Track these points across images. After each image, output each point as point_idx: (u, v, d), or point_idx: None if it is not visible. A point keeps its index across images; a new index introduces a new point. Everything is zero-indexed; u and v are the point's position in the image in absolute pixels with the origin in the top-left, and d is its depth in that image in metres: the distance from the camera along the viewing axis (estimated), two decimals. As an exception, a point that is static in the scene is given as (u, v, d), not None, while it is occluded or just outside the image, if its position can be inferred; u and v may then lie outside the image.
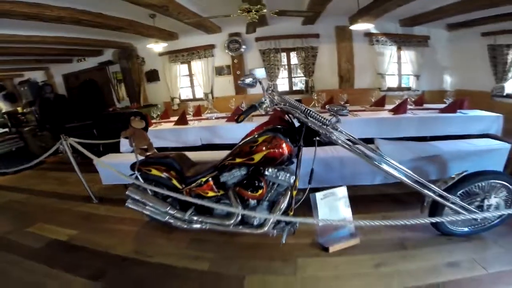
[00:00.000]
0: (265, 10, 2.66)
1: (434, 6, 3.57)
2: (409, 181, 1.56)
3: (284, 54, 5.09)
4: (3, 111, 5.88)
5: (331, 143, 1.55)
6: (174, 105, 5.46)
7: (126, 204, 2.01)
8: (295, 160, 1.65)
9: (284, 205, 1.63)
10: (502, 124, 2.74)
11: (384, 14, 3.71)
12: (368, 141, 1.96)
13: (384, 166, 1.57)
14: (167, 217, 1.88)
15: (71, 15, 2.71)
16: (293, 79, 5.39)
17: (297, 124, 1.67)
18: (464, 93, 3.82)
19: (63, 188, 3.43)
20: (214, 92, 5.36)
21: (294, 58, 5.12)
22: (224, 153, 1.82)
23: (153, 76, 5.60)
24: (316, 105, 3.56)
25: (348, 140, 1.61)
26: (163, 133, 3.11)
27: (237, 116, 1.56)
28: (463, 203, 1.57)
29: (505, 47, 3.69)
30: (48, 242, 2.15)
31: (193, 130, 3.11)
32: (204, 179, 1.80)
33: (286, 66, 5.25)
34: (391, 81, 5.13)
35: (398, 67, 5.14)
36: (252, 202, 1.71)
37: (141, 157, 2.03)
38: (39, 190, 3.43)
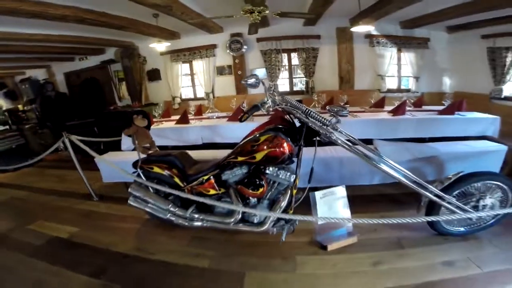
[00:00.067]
0: (267, 12, 2.69)
1: (434, 9, 3.59)
2: (407, 181, 1.60)
3: (285, 55, 5.11)
4: (4, 108, 5.88)
5: (331, 143, 1.58)
6: (175, 104, 5.47)
7: (128, 201, 2.03)
8: (295, 159, 1.68)
9: (284, 203, 1.66)
10: (499, 126, 2.78)
11: (385, 16, 3.74)
12: (367, 142, 1.98)
13: (383, 166, 1.60)
14: (169, 214, 1.90)
15: (75, 13, 2.73)
16: (293, 80, 5.41)
17: (297, 124, 1.70)
18: (463, 95, 3.85)
19: (63, 185, 3.45)
20: (215, 91, 5.37)
21: (295, 59, 5.14)
22: (224, 152, 1.85)
23: (154, 75, 5.61)
24: (317, 105, 3.59)
25: (348, 140, 1.64)
26: (164, 132, 3.14)
27: (241, 115, 1.59)
28: (458, 203, 1.61)
29: (504, 50, 3.72)
30: (49, 240, 2.16)
31: (194, 129, 3.13)
32: (205, 177, 1.82)
33: (287, 67, 5.26)
34: (390, 83, 5.16)
35: (398, 68, 5.17)
36: (253, 200, 1.74)
37: (143, 155, 2.05)
38: (39, 187, 3.45)
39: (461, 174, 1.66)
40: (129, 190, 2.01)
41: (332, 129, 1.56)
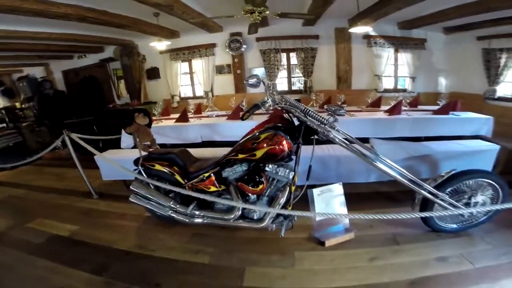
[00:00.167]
0: (267, 12, 2.71)
1: (432, 10, 3.64)
2: (402, 179, 1.64)
3: (284, 54, 5.14)
4: (1, 106, 5.85)
5: (329, 141, 1.62)
6: (174, 103, 5.48)
7: (130, 198, 2.06)
8: (294, 157, 1.72)
9: (283, 200, 1.69)
10: (492, 126, 2.83)
11: (383, 17, 3.77)
12: (364, 140, 2.03)
13: (379, 165, 1.64)
14: (170, 211, 1.93)
15: (77, 12, 2.74)
16: (292, 79, 5.45)
17: (296, 122, 1.74)
18: (458, 96, 3.93)
19: (62, 183, 3.45)
20: (214, 90, 5.39)
21: (294, 58, 5.17)
22: (224, 150, 1.88)
23: (153, 73, 5.61)
24: (315, 105, 3.62)
25: (345, 139, 1.68)
26: (164, 130, 3.15)
27: (242, 114, 1.62)
28: (451, 200, 1.66)
29: (498, 51, 3.79)
30: (49, 238, 2.17)
31: (194, 127, 3.15)
32: (206, 175, 1.86)
33: (286, 66, 5.29)
34: (387, 83, 5.20)
35: (394, 69, 5.22)
36: (252, 197, 1.77)
37: (144, 153, 2.07)
38: (37, 185, 3.44)
39: (453, 172, 1.71)
40: (131, 187, 2.03)
41: (330, 128, 1.60)
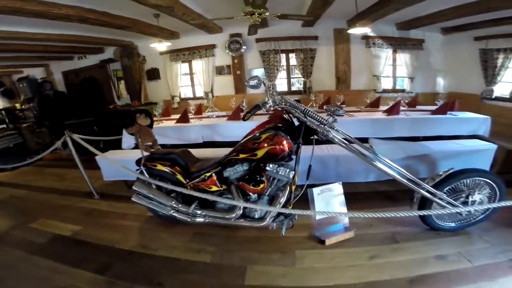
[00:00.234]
0: (267, 14, 2.73)
1: (430, 11, 3.67)
2: (400, 178, 1.67)
3: (283, 55, 5.17)
4: (1, 107, 5.85)
5: (328, 141, 1.64)
6: (174, 104, 5.50)
7: (132, 198, 2.07)
8: (294, 157, 1.74)
9: (283, 199, 1.72)
10: (490, 126, 2.86)
11: (382, 18, 3.80)
12: (363, 140, 2.05)
13: (378, 164, 1.66)
14: (172, 210, 1.95)
15: (78, 13, 2.75)
16: (291, 80, 5.47)
17: (296, 123, 1.76)
18: (456, 96, 3.96)
19: (63, 184, 3.46)
20: (214, 91, 5.41)
21: (293, 59, 5.19)
22: (224, 151, 1.90)
23: (153, 74, 5.63)
24: (314, 105, 3.64)
25: (344, 139, 1.70)
26: (165, 131, 3.17)
27: (244, 114, 1.65)
28: (449, 199, 1.68)
29: (495, 51, 3.82)
30: (51, 238, 2.18)
31: (195, 128, 3.17)
32: (208, 174, 1.88)
33: (285, 67, 5.32)
34: (386, 83, 5.24)
35: (393, 69, 5.26)
36: (253, 196, 1.80)
37: (146, 153, 2.09)
38: (38, 186, 3.45)
39: (451, 171, 1.74)
40: (133, 187, 2.05)
41: (329, 128, 1.62)
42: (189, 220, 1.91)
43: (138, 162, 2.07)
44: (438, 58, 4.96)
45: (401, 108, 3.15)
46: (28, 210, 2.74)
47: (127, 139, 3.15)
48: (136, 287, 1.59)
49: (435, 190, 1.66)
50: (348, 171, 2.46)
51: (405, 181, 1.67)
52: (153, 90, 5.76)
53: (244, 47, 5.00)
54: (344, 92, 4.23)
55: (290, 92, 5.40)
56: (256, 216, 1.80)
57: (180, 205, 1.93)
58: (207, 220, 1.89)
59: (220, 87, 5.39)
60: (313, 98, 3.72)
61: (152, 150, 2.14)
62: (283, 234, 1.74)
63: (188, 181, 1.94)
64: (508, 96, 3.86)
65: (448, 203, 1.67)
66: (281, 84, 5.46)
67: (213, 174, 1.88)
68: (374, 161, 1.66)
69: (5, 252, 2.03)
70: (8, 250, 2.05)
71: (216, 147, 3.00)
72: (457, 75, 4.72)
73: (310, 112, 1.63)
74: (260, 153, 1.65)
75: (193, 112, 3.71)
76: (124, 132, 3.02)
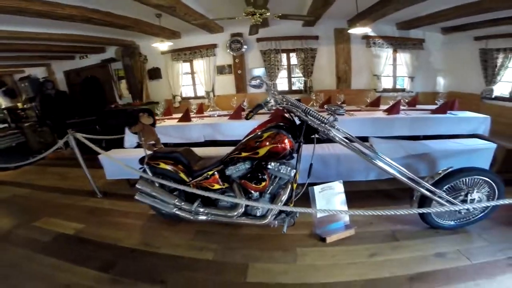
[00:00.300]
0: (268, 14, 2.75)
1: (430, 11, 3.68)
2: (401, 177, 1.69)
3: (284, 55, 5.17)
4: (3, 106, 5.87)
5: (329, 140, 1.66)
6: (176, 103, 5.51)
7: (135, 196, 2.09)
8: (295, 155, 1.76)
9: (285, 197, 1.74)
10: (489, 125, 2.87)
11: (382, 18, 3.81)
12: (363, 139, 2.07)
13: (378, 163, 1.68)
14: (175, 208, 1.97)
15: (82, 13, 2.77)
16: (292, 79, 5.49)
17: (297, 122, 1.78)
18: (456, 95, 3.97)
19: (65, 183, 3.49)
20: (215, 90, 5.43)
21: (294, 58, 5.20)
22: (226, 149, 1.92)
23: (155, 74, 5.64)
24: (315, 104, 3.66)
25: (345, 137, 1.72)
26: (167, 130, 3.18)
27: (247, 113, 1.67)
28: (448, 197, 1.70)
29: (495, 51, 3.83)
30: (55, 236, 2.19)
31: (197, 127, 3.19)
32: (210, 173, 1.90)
33: (286, 66, 5.33)
34: (386, 83, 5.24)
35: (393, 69, 5.26)
36: (255, 194, 1.82)
37: (149, 152, 2.11)
38: (41, 185, 3.47)
39: (450, 169, 1.76)
40: (137, 185, 2.07)
41: (330, 127, 1.64)
42: (191, 218, 1.93)
43: (141, 160, 2.09)
44: (438, 58, 4.97)
45: (401, 107, 3.16)
46: (31, 209, 2.76)
47: (130, 138, 3.17)
48: (140, 284, 1.61)
49: (434, 189, 1.68)
50: (348, 170, 2.48)
51: (405, 179, 1.69)
52: (155, 90, 5.77)
53: (245, 46, 5.01)
54: (344, 92, 4.24)
55: (290, 92, 5.41)
56: (258, 214, 1.82)
57: (183, 203, 1.95)
58: (209, 218, 1.91)
59: (221, 87, 5.40)
60: (314, 98, 3.74)
61: (155, 148, 2.16)
62: (285, 232, 1.76)
63: (190, 179, 1.96)
64: (507, 96, 3.87)
65: (447, 201, 1.68)
66: (281, 83, 5.47)
67: (216, 172, 1.90)
68: (374, 160, 1.68)
69: (9, 250, 2.05)
70: (12, 249, 2.07)
71: (217, 146, 3.02)
72: (457, 75, 4.73)
73: (311, 111, 1.65)
74: (262, 151, 1.68)
75: (195, 111, 3.73)
76: (127, 131, 3.04)
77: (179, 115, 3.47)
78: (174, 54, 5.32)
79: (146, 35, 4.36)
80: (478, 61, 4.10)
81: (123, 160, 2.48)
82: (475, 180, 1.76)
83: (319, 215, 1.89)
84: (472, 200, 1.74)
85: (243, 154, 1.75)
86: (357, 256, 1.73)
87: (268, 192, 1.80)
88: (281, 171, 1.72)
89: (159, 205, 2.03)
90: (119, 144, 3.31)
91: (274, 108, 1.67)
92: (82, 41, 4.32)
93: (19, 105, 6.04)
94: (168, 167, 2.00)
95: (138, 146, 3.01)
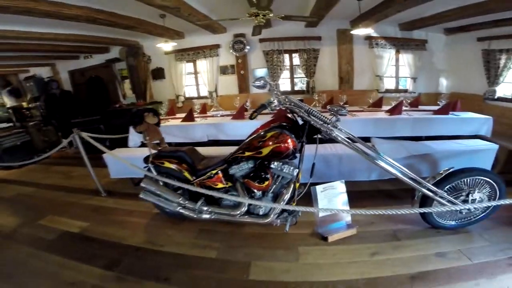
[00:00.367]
0: (271, 15, 2.77)
1: (433, 12, 3.68)
2: (402, 177, 1.70)
3: (286, 55, 5.19)
4: (8, 106, 5.94)
5: (332, 140, 1.68)
6: (179, 103, 5.55)
7: (140, 195, 2.12)
8: (298, 155, 1.78)
9: (287, 196, 1.75)
10: (491, 126, 2.86)
11: (384, 19, 3.82)
12: (366, 139, 2.08)
13: (380, 163, 1.70)
14: (179, 207, 1.99)
15: (87, 14, 2.80)
16: (294, 80, 5.50)
17: (300, 122, 1.80)
18: (459, 96, 3.97)
19: (69, 181, 3.52)
20: (218, 90, 5.46)
21: (296, 59, 5.22)
22: (229, 149, 1.94)
23: (158, 74, 5.68)
24: (317, 105, 3.67)
25: (347, 138, 1.74)
26: (171, 129, 3.20)
27: (251, 114, 1.70)
28: (449, 197, 1.71)
29: (498, 52, 3.82)
30: (60, 234, 2.22)
31: (200, 126, 3.20)
32: (214, 172, 1.92)
33: (288, 67, 5.34)
34: (389, 83, 5.25)
35: (396, 69, 5.27)
36: (258, 193, 1.84)
37: (154, 151, 2.14)
38: (45, 183, 3.50)
39: (451, 170, 1.76)
40: (141, 184, 2.10)
41: (333, 127, 1.66)
42: (195, 216, 1.95)
43: (146, 159, 2.12)
44: (441, 59, 4.97)
45: (404, 108, 3.16)
46: (36, 207, 2.79)
47: (134, 137, 3.20)
48: (144, 282, 1.63)
49: (436, 189, 1.69)
50: (351, 170, 2.49)
51: (407, 179, 1.70)
52: (158, 89, 5.81)
53: (248, 47, 5.04)
54: (347, 92, 4.24)
55: (293, 92, 5.43)
56: (261, 213, 1.84)
57: (187, 202, 1.98)
58: (212, 217, 1.93)
59: (224, 87, 5.43)
60: (316, 98, 3.75)
61: (160, 148, 2.19)
62: (287, 230, 1.78)
63: (194, 178, 1.99)
64: (510, 97, 3.87)
65: (449, 201, 1.70)
66: (284, 84, 5.49)
67: (219, 171, 1.92)
68: (376, 160, 1.69)
69: (14, 248, 2.07)
70: (17, 247, 2.09)
71: (220, 145, 3.04)
72: (459, 76, 4.72)
73: (313, 112, 1.67)
74: (265, 151, 1.70)
75: (198, 111, 3.76)
76: (131, 130, 3.07)
77: (183, 115, 3.49)
78: (177, 54, 5.35)
79: (150, 35, 4.40)
80: (481, 62, 4.09)
81: (128, 159, 2.50)
82: (476, 180, 1.77)
83: (321, 214, 1.91)
84: (473, 200, 1.75)
85: (247, 154, 1.78)
86: (359, 255, 1.74)
87: (271, 191, 1.82)
88: (284, 171, 1.74)
89: (163, 204, 2.05)
90: (123, 143, 3.34)
91: (277, 108, 1.69)
92: (87, 41, 4.36)
93: (24, 104, 6.10)
94: (173, 166, 2.02)
95: (142, 145, 3.04)
